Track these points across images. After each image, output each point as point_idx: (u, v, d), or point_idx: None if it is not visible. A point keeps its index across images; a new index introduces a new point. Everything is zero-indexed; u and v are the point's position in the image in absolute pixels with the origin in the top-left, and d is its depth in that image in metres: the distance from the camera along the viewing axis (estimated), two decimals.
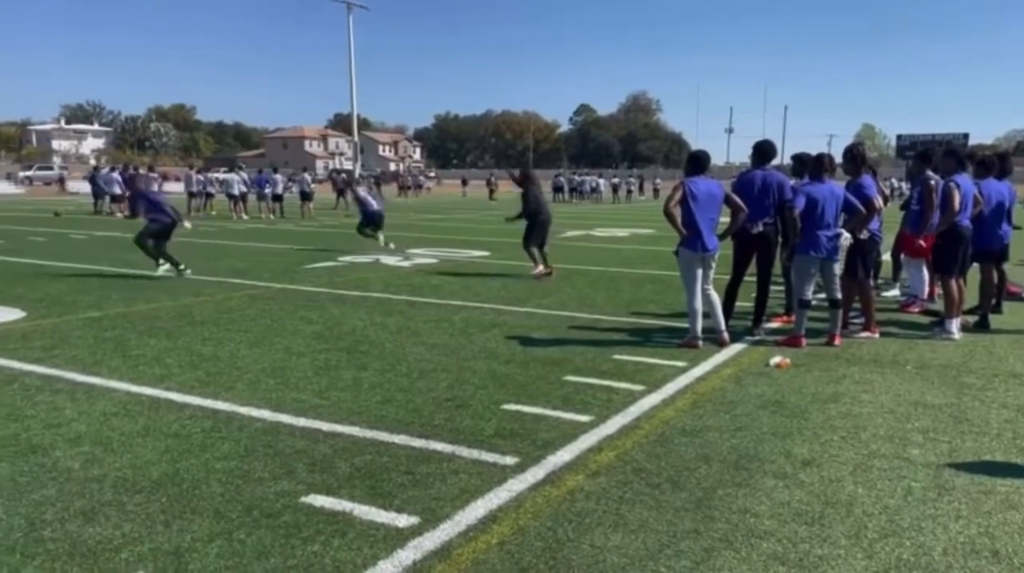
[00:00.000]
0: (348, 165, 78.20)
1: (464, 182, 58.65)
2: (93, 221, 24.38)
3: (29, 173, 64.51)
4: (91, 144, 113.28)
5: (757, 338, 7.51)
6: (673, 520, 3.58)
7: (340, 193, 34.20)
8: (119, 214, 27.05)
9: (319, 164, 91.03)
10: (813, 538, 3.43)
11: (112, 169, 31.49)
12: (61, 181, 53.64)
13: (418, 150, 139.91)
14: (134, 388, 5.57)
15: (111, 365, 6.21)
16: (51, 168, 65.31)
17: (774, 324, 8.19)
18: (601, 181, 51.46)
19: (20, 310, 8.53)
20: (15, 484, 3.88)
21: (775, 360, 6.55)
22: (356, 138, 73.33)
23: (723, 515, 3.64)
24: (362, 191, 17.00)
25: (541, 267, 11.84)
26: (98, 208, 28.55)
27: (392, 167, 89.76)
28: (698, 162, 7.20)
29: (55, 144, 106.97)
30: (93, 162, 73.15)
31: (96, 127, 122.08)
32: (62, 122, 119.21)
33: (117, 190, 27.88)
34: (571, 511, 3.65)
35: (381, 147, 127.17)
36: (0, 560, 3.13)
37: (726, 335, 7.18)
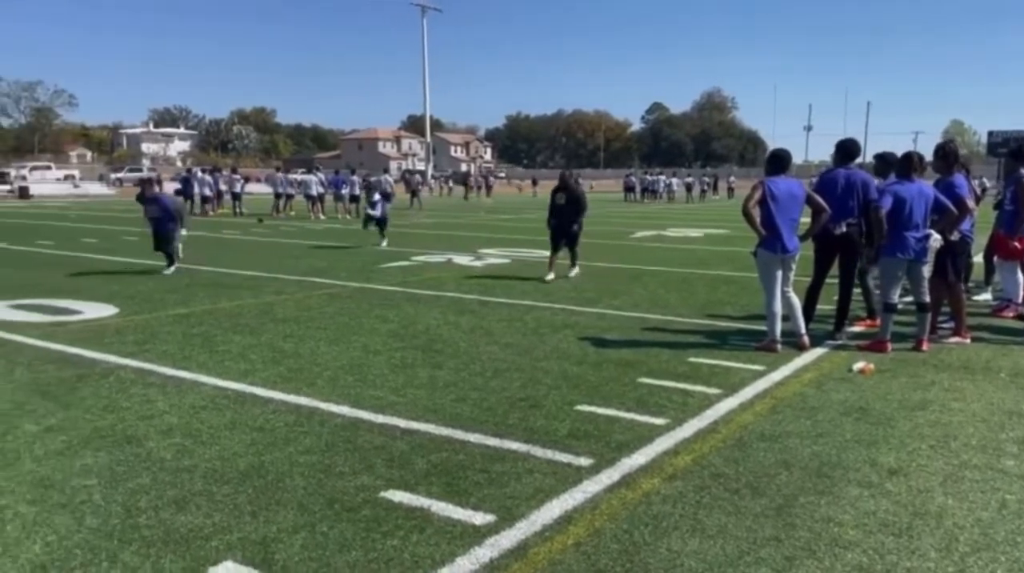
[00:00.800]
0: (420, 166, 79.23)
1: (534, 182, 58.72)
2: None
3: (120, 175, 67.53)
4: (178, 147, 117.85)
5: (839, 342, 7.29)
6: (753, 526, 3.51)
7: (413, 194, 34.75)
8: (210, 213, 28.27)
9: (392, 165, 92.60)
10: (901, 550, 3.32)
11: (203, 170, 32.83)
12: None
13: (489, 150, 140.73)
14: (221, 382, 5.78)
15: (199, 360, 6.46)
16: (140, 170, 68.26)
17: (857, 328, 7.93)
18: (674, 180, 50.80)
19: (114, 306, 8.95)
20: (112, 473, 4.08)
21: (858, 365, 6.35)
22: (428, 139, 74.12)
23: (805, 523, 3.55)
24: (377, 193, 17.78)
25: (551, 274, 11.48)
26: (190, 209, 29.73)
27: (463, 167, 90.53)
28: (779, 161, 7.04)
29: (144, 147, 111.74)
30: (180, 164, 76.07)
31: (182, 130, 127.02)
32: (151, 126, 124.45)
33: (208, 191, 29.11)
34: (647, 514, 3.63)
35: (452, 148, 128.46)
36: (99, 545, 3.30)
37: (806, 339, 7.00)
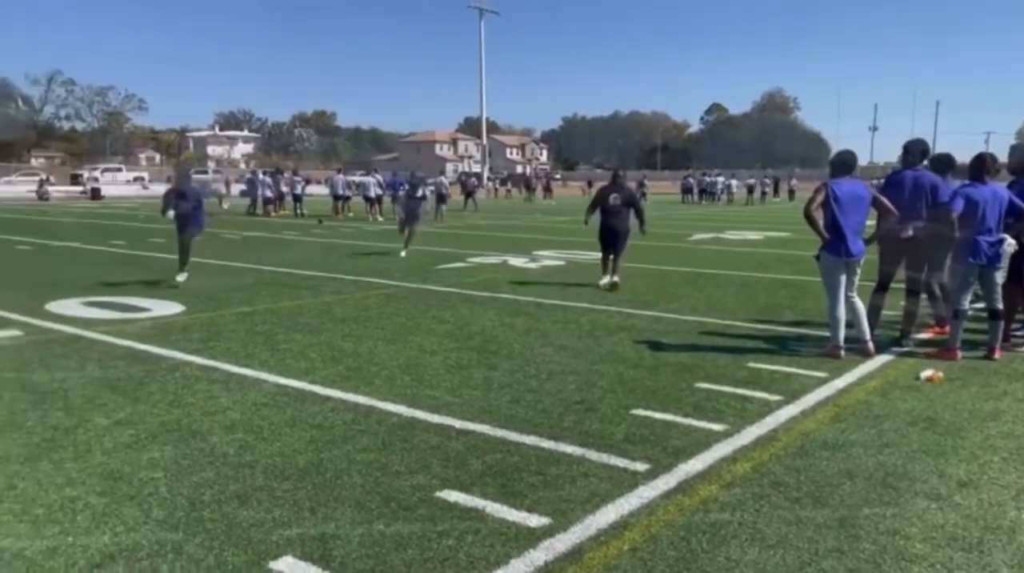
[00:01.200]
0: (476, 168, 79.70)
1: (589, 184, 58.48)
2: (249, 222, 25.96)
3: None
4: (241, 149, 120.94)
5: (906, 350, 7.07)
6: (814, 537, 3.43)
7: (468, 195, 34.96)
8: (272, 214, 29.02)
9: (449, 167, 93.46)
10: (971, 565, 3.20)
11: (266, 172, 33.69)
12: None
13: (545, 152, 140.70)
14: (282, 380, 5.90)
15: (261, 358, 6.61)
16: (206, 172, 70.20)
17: (925, 335, 7.68)
18: (733, 182, 49.96)
19: (180, 304, 9.22)
20: (178, 466, 4.20)
21: (926, 373, 6.14)
22: (484, 141, 74.45)
23: (869, 535, 3.45)
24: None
25: (606, 278, 10.87)
26: (253, 210, 30.51)
27: (519, 169, 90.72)
28: (843, 163, 6.87)
29: (210, 150, 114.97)
30: (243, 166, 78.00)
31: (246, 133, 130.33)
32: (216, 129, 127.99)
33: (269, 193, 29.91)
34: (705, 522, 3.57)
35: (508, 150, 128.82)
36: (165, 537, 3.40)
37: (871, 345, 6.80)
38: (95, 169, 60.09)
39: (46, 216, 29.16)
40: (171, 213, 10.93)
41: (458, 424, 4.89)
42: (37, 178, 49.11)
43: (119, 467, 4.18)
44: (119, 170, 65.29)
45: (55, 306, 8.91)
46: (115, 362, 6.40)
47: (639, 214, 11.17)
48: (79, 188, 50.08)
